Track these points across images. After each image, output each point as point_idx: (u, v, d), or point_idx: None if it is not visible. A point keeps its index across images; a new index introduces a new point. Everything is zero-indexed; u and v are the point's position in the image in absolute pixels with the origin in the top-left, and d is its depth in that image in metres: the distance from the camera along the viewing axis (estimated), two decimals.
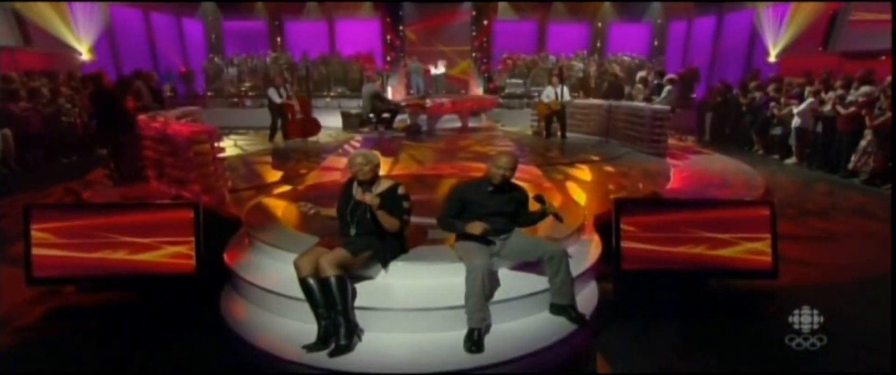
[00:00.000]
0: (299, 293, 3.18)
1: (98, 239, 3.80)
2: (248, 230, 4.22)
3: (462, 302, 3.13)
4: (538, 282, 3.44)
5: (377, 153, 3.49)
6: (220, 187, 5.94)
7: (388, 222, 3.29)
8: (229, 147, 8.48)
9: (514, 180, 3.54)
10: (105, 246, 3.79)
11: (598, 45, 17.87)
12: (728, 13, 15.06)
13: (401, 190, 3.40)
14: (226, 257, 3.94)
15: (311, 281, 3.12)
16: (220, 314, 3.51)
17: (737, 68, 13.81)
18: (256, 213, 4.68)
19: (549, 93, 9.61)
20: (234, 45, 17.20)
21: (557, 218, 3.47)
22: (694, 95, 13.45)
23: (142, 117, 6.69)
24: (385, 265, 3.42)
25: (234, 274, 3.76)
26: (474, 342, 3.00)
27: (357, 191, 3.36)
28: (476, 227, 3.24)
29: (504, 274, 3.54)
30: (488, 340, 3.08)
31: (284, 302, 3.35)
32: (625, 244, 3.88)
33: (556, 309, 3.34)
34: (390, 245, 3.42)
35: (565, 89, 9.67)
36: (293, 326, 3.25)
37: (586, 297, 3.64)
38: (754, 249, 3.88)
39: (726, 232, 3.89)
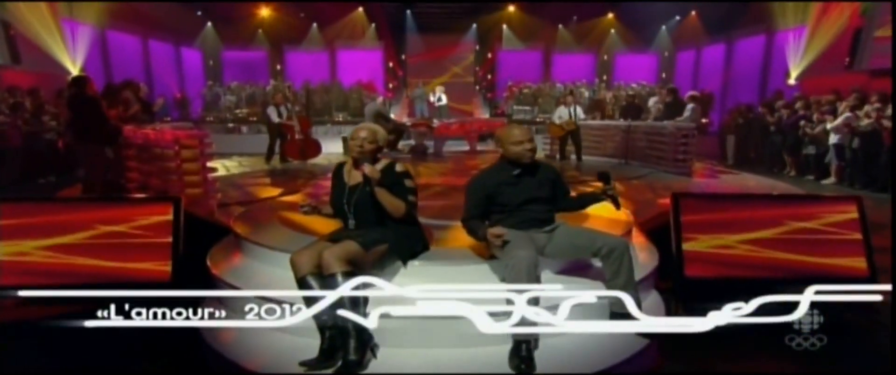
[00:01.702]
0: (297, 299, 2.56)
1: (54, 240, 3.19)
2: (235, 231, 3.60)
3: (498, 307, 2.50)
4: (593, 287, 2.82)
5: (382, 130, 2.94)
6: (208, 200, 5.37)
7: (392, 203, 2.72)
8: (225, 168, 7.98)
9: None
10: (61, 249, 3.18)
11: (605, 77, 17.67)
12: (738, 40, 14.91)
13: (400, 167, 2.84)
14: (209, 261, 3.31)
15: (312, 280, 2.51)
16: (199, 329, 2.86)
17: (750, 93, 13.51)
18: (247, 216, 4.09)
19: (562, 114, 9.21)
20: (234, 74, 17.00)
21: (615, 202, 2.87)
22: (706, 120, 13.09)
23: (128, 128, 6.20)
24: (404, 262, 2.81)
25: (217, 281, 3.13)
26: (523, 358, 2.36)
27: (349, 174, 2.85)
28: (497, 235, 2.60)
29: (550, 277, 2.91)
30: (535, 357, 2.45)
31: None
32: (687, 246, 3.29)
33: (617, 318, 2.70)
34: (408, 237, 2.83)
35: (578, 109, 9.27)
36: (288, 341, 2.62)
37: (648, 309, 2.99)
38: (843, 251, 3.29)
39: (808, 233, 3.31)
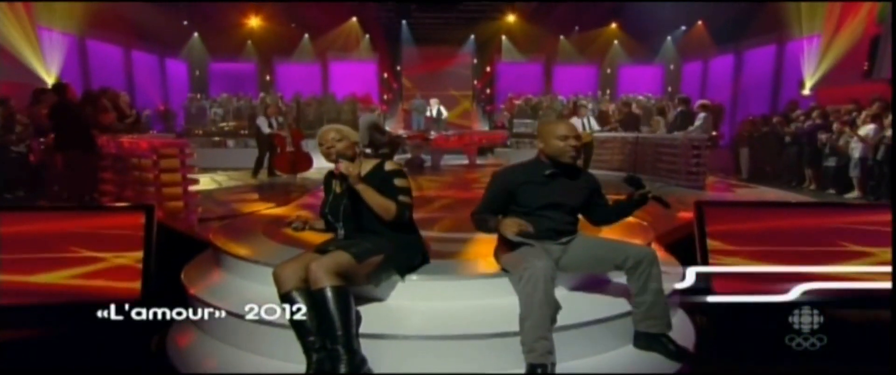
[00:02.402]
0: (282, 319, 2.37)
1: (9, 255, 2.97)
2: (214, 244, 3.38)
3: (510, 327, 2.31)
4: (615, 305, 2.62)
5: (347, 128, 2.75)
6: (188, 214, 5.17)
7: (380, 203, 2.50)
8: (206, 182, 7.77)
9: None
10: (17, 264, 2.96)
11: (608, 91, 17.64)
12: (747, 50, 14.91)
13: (390, 166, 2.65)
14: (183, 278, 3.09)
15: (298, 296, 2.30)
16: (167, 353, 2.66)
17: (761, 104, 13.46)
18: (227, 228, 3.88)
19: (576, 126, 9.08)
20: (222, 86, 16.88)
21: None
22: (715, 133, 13.00)
23: (103, 137, 6.01)
24: (401, 276, 2.60)
25: (192, 300, 2.90)
26: None
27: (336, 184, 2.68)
28: (510, 226, 2.41)
29: (564, 294, 2.70)
30: None
31: (260, 331, 2.50)
32: (715, 260, 3.10)
33: (644, 340, 2.49)
34: (406, 248, 2.62)
35: (592, 120, 9.15)
36: (271, 366, 2.42)
37: (676, 327, 2.78)
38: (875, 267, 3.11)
39: (843, 246, 3.13)
